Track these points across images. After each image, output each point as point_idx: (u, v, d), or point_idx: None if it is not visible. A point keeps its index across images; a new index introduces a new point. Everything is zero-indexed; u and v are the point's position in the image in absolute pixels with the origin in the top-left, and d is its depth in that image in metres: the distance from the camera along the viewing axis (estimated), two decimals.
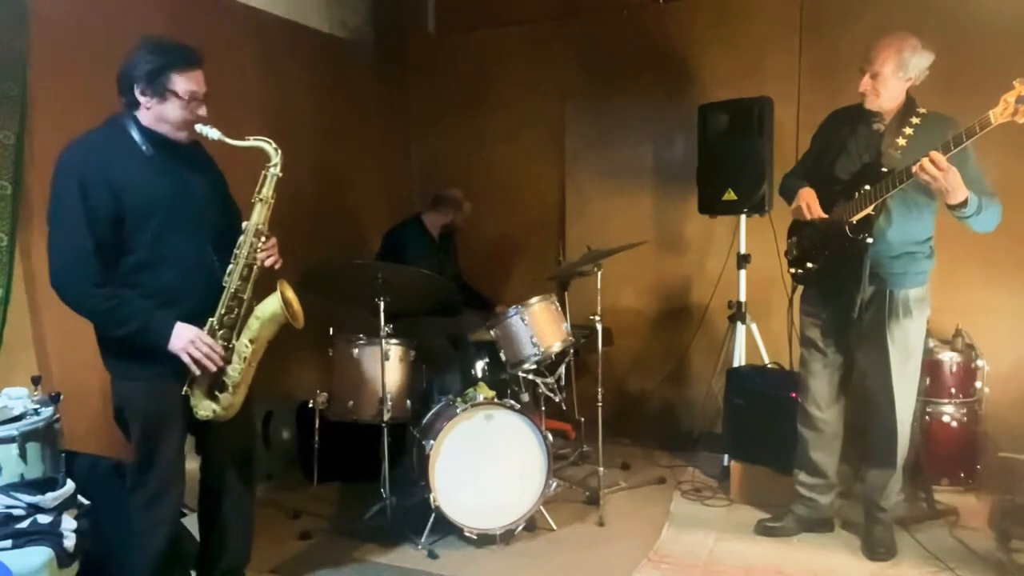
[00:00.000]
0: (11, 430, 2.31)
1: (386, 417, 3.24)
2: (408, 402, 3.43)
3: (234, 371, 2.31)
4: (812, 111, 3.64)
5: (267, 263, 2.36)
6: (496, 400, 3.24)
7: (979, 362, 3.55)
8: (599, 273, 3.54)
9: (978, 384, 3.55)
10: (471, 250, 4.69)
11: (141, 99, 2.21)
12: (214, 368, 2.28)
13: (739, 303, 3.95)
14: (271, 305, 2.31)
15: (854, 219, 2.75)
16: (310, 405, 3.45)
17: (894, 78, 2.69)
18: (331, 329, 3.40)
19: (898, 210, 2.76)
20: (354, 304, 3.46)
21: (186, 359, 2.24)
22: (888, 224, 2.76)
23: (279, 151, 2.34)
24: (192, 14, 3.52)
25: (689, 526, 3.31)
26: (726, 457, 3.77)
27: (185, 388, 2.31)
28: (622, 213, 4.66)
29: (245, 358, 2.31)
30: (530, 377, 3.55)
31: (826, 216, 2.86)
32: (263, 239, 2.34)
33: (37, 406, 2.45)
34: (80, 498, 2.39)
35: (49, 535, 2.19)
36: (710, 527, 3.29)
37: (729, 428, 3.67)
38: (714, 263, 4.33)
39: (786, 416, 3.19)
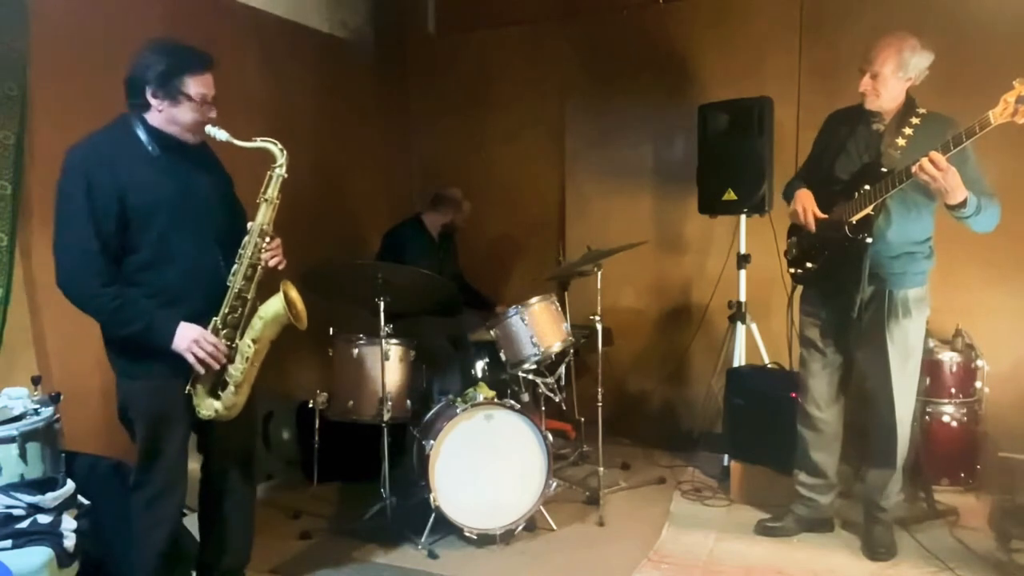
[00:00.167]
0: (11, 430, 2.31)
1: (386, 417, 3.24)
2: (408, 402, 3.43)
3: (237, 370, 2.32)
4: (812, 111, 3.65)
5: (271, 263, 2.37)
6: (496, 400, 3.24)
7: (979, 362, 3.55)
8: (599, 273, 3.54)
9: (978, 384, 3.55)
10: (471, 250, 4.69)
11: (153, 101, 2.23)
12: (217, 367, 2.29)
13: (739, 303, 3.95)
14: (274, 306, 2.32)
15: (854, 219, 2.75)
16: (310, 405, 3.45)
17: (894, 78, 2.70)
18: (331, 329, 3.40)
19: (897, 210, 2.76)
20: (354, 304, 3.46)
21: (190, 358, 2.24)
22: (888, 224, 2.77)
23: (284, 152, 2.35)
24: (192, 14, 3.52)
25: (689, 526, 3.31)
26: (726, 457, 3.77)
27: (188, 387, 2.31)
28: (622, 213, 4.66)
29: (248, 358, 2.32)
30: (530, 377, 3.56)
31: (823, 217, 2.87)
32: (267, 239, 2.34)
33: (37, 406, 2.45)
34: (80, 498, 2.39)
35: (49, 535, 2.19)
36: (710, 527, 3.29)
37: (729, 428, 3.67)
38: (714, 263, 4.33)
39: (786, 416, 3.19)
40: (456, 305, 3.95)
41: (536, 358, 3.38)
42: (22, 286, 2.87)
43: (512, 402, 3.27)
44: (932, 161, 2.46)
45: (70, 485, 2.35)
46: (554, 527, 3.30)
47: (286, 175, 2.36)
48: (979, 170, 2.68)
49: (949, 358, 3.54)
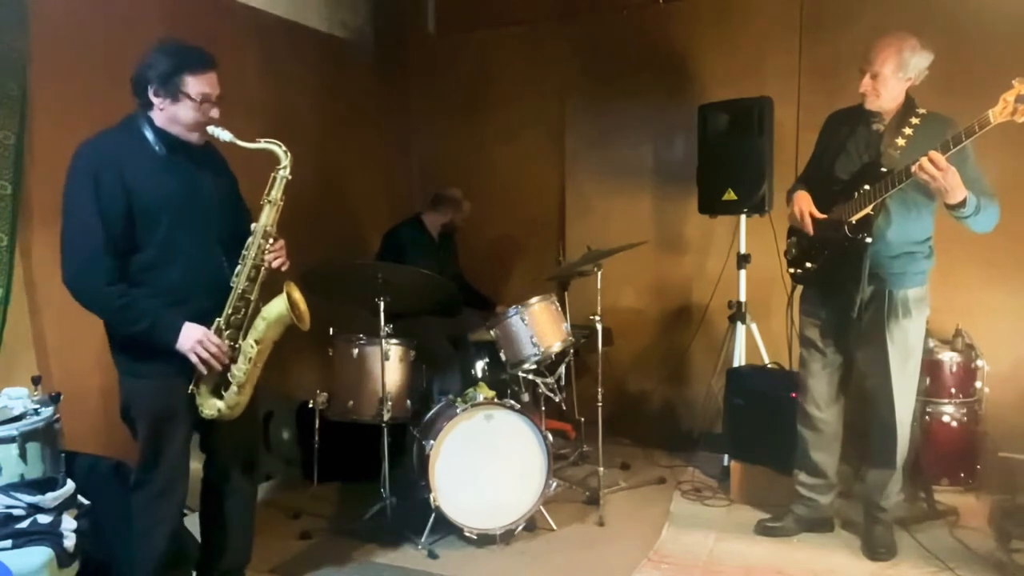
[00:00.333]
0: (11, 430, 2.31)
1: (386, 417, 3.24)
2: (408, 402, 3.43)
3: (239, 371, 2.32)
4: (812, 111, 3.65)
5: (274, 264, 2.37)
6: (496, 400, 3.24)
7: (979, 362, 3.54)
8: (599, 273, 3.54)
9: (978, 384, 3.55)
10: (471, 250, 4.69)
11: (155, 100, 2.24)
12: (220, 368, 2.30)
13: (739, 303, 3.95)
14: (277, 307, 2.32)
15: (853, 219, 2.75)
16: (310, 405, 3.45)
17: (894, 78, 2.70)
18: (331, 329, 3.40)
19: (897, 210, 2.76)
20: (354, 304, 3.46)
21: (193, 359, 2.25)
22: (887, 224, 2.77)
23: (288, 154, 2.36)
24: (192, 14, 3.52)
25: (689, 526, 3.31)
26: (726, 457, 3.77)
27: (191, 387, 2.32)
28: (622, 213, 4.66)
29: (250, 358, 2.32)
30: (530, 377, 3.56)
31: (823, 217, 2.87)
32: (271, 241, 2.35)
33: (37, 406, 2.45)
34: (80, 498, 2.39)
35: (49, 535, 2.19)
36: (710, 527, 3.29)
37: (729, 428, 3.67)
38: (714, 263, 4.33)
39: (786, 416, 3.19)
40: (456, 305, 3.95)
41: (536, 358, 3.38)
42: (22, 286, 2.87)
43: (512, 402, 3.27)
44: (932, 160, 2.46)
45: (70, 485, 2.35)
46: (554, 527, 3.30)
47: (290, 177, 2.37)
48: (979, 170, 2.68)
49: (949, 358, 3.54)
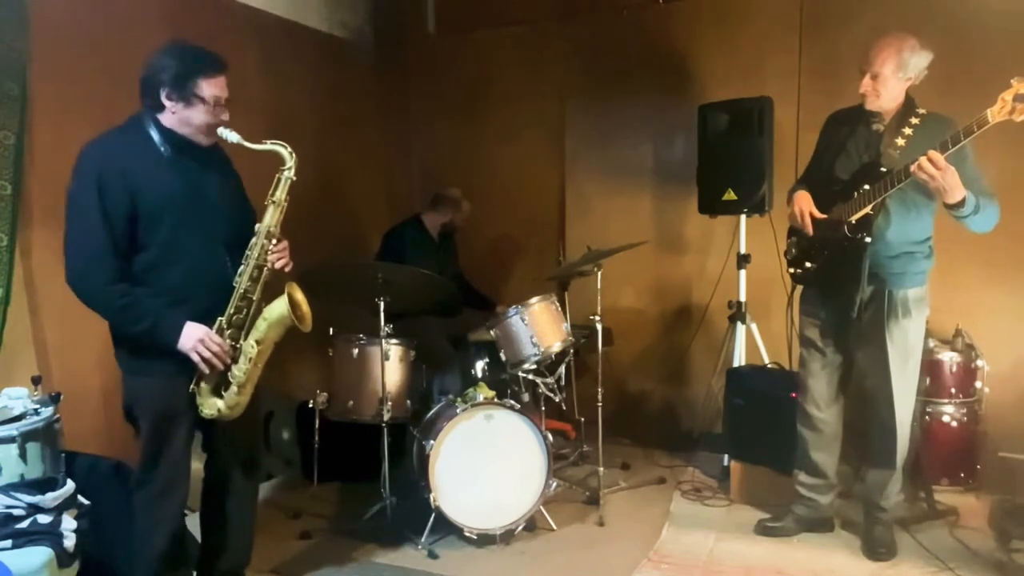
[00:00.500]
0: (11, 430, 2.31)
1: (386, 417, 3.24)
2: (408, 402, 3.43)
3: (240, 371, 2.33)
4: (812, 111, 3.65)
5: (277, 265, 2.38)
6: (496, 400, 3.24)
7: (979, 362, 3.54)
8: (599, 273, 3.54)
9: (978, 384, 3.55)
10: (471, 250, 4.69)
11: (167, 103, 2.25)
12: (222, 367, 2.31)
13: (739, 303, 3.95)
14: (278, 308, 2.33)
15: (853, 219, 2.75)
16: (310, 405, 3.45)
17: (894, 78, 2.70)
18: (331, 329, 3.40)
19: (897, 210, 2.76)
20: (354, 304, 3.46)
21: (195, 358, 2.26)
22: (887, 224, 2.77)
23: (294, 155, 2.37)
24: (192, 14, 3.52)
25: (689, 526, 3.31)
26: (726, 457, 3.77)
27: (192, 386, 2.32)
28: (622, 213, 4.66)
29: (251, 359, 2.33)
30: (530, 377, 3.55)
31: (822, 217, 2.87)
32: (274, 241, 2.36)
33: (37, 406, 2.45)
34: (80, 498, 2.39)
35: (49, 535, 2.19)
36: (710, 527, 3.29)
37: (729, 428, 3.67)
38: (714, 263, 4.33)
39: (786, 416, 3.19)
40: (456, 305, 3.95)
41: (536, 358, 3.38)
42: (22, 286, 2.87)
43: (512, 402, 3.27)
44: (931, 160, 2.46)
45: (70, 485, 2.35)
46: (554, 527, 3.30)
47: (295, 178, 2.37)
48: (978, 170, 2.68)
49: (949, 358, 3.54)
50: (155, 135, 2.27)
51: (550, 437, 3.32)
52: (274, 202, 2.36)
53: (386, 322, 3.23)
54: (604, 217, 4.70)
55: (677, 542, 3.17)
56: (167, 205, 2.25)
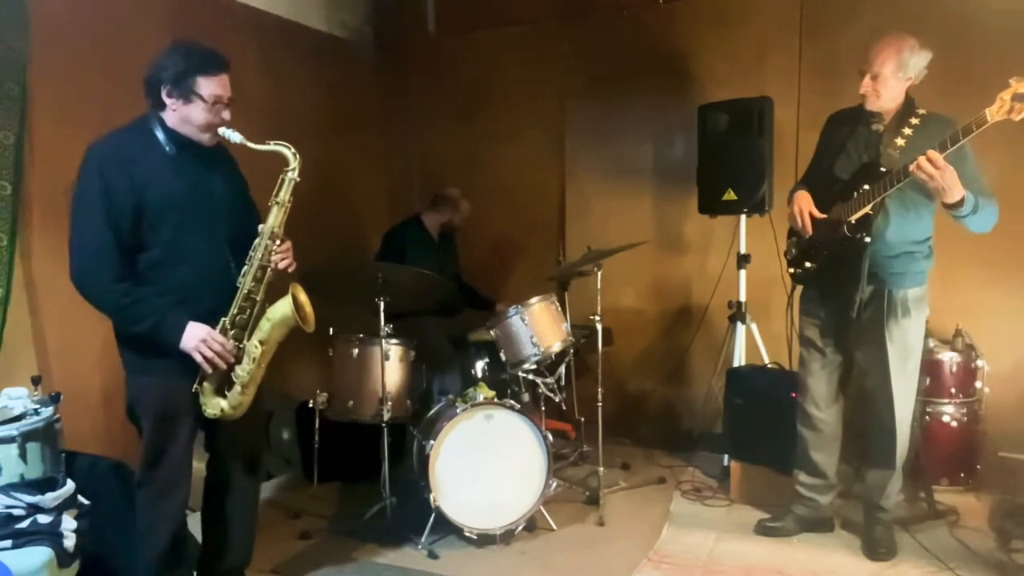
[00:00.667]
0: (11, 430, 2.31)
1: (386, 417, 3.24)
2: (408, 402, 3.44)
3: (243, 371, 2.33)
4: (812, 111, 3.65)
5: (280, 266, 2.38)
6: (496, 400, 3.24)
7: (979, 362, 3.54)
8: (599, 273, 3.54)
9: (978, 384, 3.55)
10: (471, 250, 4.69)
11: (167, 101, 2.26)
12: (225, 367, 2.31)
13: (739, 303, 3.95)
14: (282, 308, 2.33)
15: (853, 218, 2.76)
16: (310, 405, 3.45)
17: (894, 78, 2.70)
18: (331, 329, 3.40)
19: (896, 210, 2.76)
20: (354, 304, 3.46)
21: (198, 357, 2.26)
22: (886, 224, 2.77)
23: (297, 156, 2.37)
24: (192, 14, 3.52)
25: (689, 526, 3.31)
26: (726, 457, 3.77)
27: (195, 386, 2.33)
28: (622, 213, 4.66)
29: (255, 359, 2.33)
30: (530, 377, 3.55)
31: (822, 217, 2.87)
32: (278, 242, 2.36)
33: (37, 406, 2.46)
34: (80, 498, 2.39)
35: (49, 535, 2.19)
36: (710, 527, 3.29)
37: (729, 428, 3.67)
38: (714, 263, 4.33)
39: (786, 416, 3.19)
40: (456, 305, 3.95)
41: (536, 358, 3.38)
42: (22, 286, 2.87)
43: (512, 402, 3.27)
44: (930, 159, 2.46)
45: (70, 485, 2.35)
46: (554, 527, 3.30)
47: (298, 179, 2.38)
48: (977, 170, 2.68)
49: (949, 358, 3.54)
50: (160, 135, 2.28)
51: (550, 437, 3.32)
52: (278, 203, 2.36)
53: (386, 322, 3.23)
54: (604, 217, 4.70)
55: (677, 542, 3.17)
56: (171, 204, 2.26)
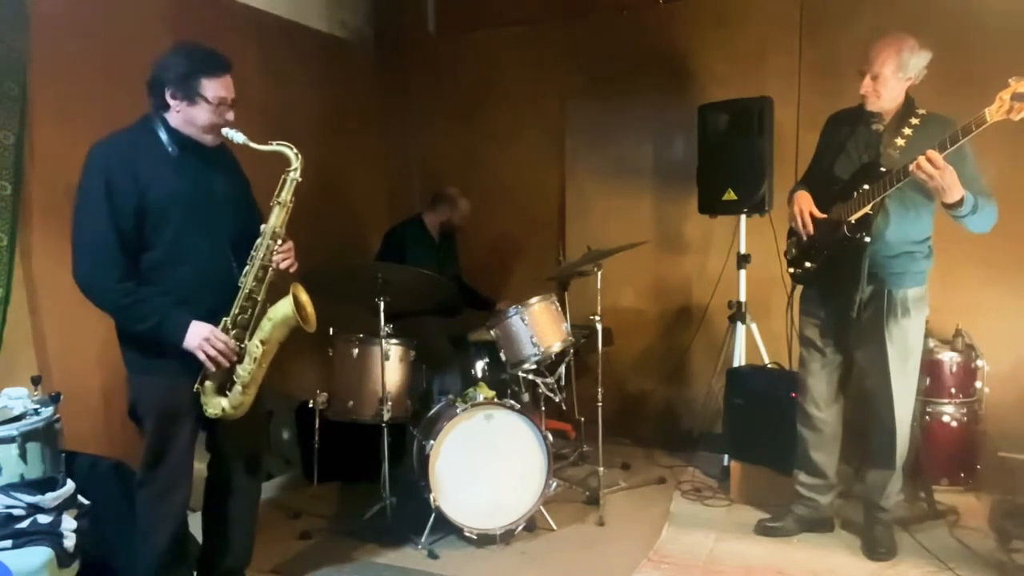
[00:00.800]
0: (11, 430, 2.31)
1: (386, 417, 3.24)
2: (408, 402, 3.44)
3: (245, 371, 2.34)
4: (812, 111, 3.65)
5: (282, 266, 2.39)
6: (496, 400, 3.24)
7: (979, 362, 3.54)
8: (599, 273, 3.54)
9: (978, 384, 3.55)
10: (471, 250, 4.69)
11: (171, 102, 2.27)
12: (227, 365, 2.31)
13: (739, 303, 3.95)
14: (283, 308, 2.34)
15: (852, 218, 2.76)
16: (310, 405, 3.45)
17: (894, 78, 2.70)
18: (331, 329, 3.40)
19: (896, 210, 2.76)
20: (354, 304, 3.46)
21: (201, 356, 2.27)
22: (886, 224, 2.77)
23: (299, 156, 2.38)
24: (192, 14, 3.52)
25: (689, 526, 3.31)
26: (726, 457, 3.77)
27: (196, 385, 2.33)
28: (622, 213, 4.66)
29: (256, 358, 2.33)
30: (530, 377, 3.55)
31: (822, 216, 2.87)
32: (280, 242, 2.37)
33: (37, 406, 2.46)
34: (80, 498, 2.39)
35: (49, 535, 2.19)
36: (710, 527, 3.29)
37: (729, 428, 3.67)
38: (714, 263, 4.32)
39: (786, 416, 3.19)
40: (456, 305, 3.94)
41: (536, 358, 3.38)
42: (22, 286, 2.87)
43: (512, 402, 3.27)
44: (929, 159, 2.46)
45: (70, 485, 2.35)
46: (554, 527, 3.30)
47: (300, 179, 2.39)
48: (977, 170, 2.68)
49: (949, 358, 3.54)
50: (163, 135, 2.29)
51: (550, 437, 3.32)
52: (280, 203, 2.37)
53: (386, 322, 3.23)
54: (604, 217, 4.70)
55: (677, 542, 3.17)
56: (174, 204, 2.27)
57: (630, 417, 4.60)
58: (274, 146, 2.36)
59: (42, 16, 2.92)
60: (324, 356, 3.49)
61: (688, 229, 4.53)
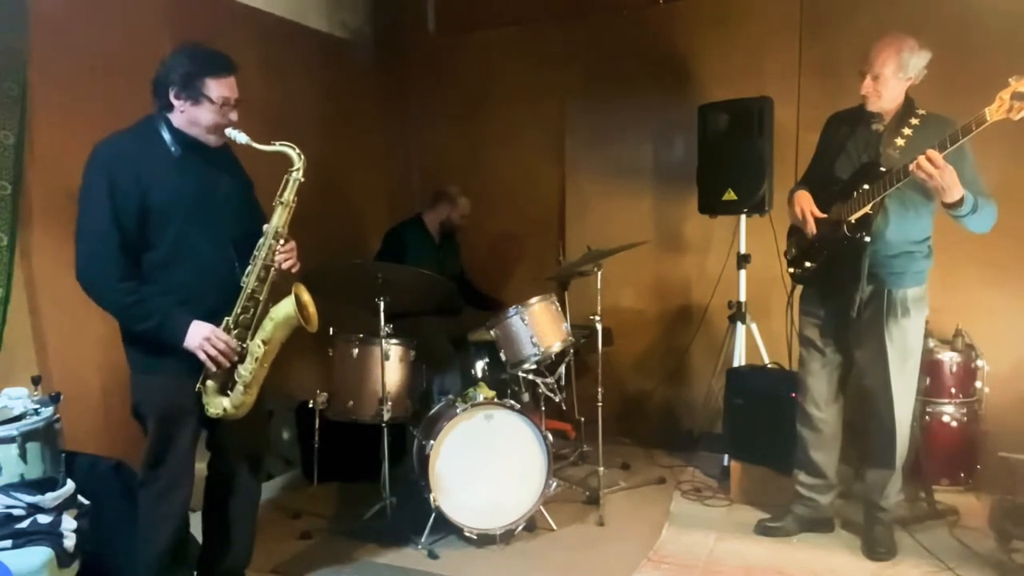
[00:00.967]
0: (11, 430, 2.31)
1: (386, 417, 3.24)
2: (408, 402, 3.44)
3: (246, 370, 2.34)
4: (812, 111, 3.65)
5: (284, 266, 2.39)
6: (496, 400, 3.24)
7: (979, 362, 3.55)
8: (599, 273, 3.54)
9: (978, 384, 3.55)
10: (472, 250, 4.69)
11: (176, 102, 2.28)
12: (229, 365, 2.32)
13: (739, 303, 3.95)
14: (285, 308, 2.34)
15: (852, 218, 2.76)
16: (310, 405, 3.45)
17: (895, 79, 2.70)
18: (331, 329, 3.40)
19: (896, 210, 2.76)
20: (354, 304, 3.46)
21: (202, 356, 2.27)
22: (886, 223, 2.77)
23: (302, 156, 2.39)
24: (192, 14, 3.52)
25: (689, 526, 3.31)
26: (726, 457, 3.76)
27: (198, 385, 2.33)
28: (622, 213, 4.66)
29: (257, 358, 2.34)
30: (530, 377, 3.55)
31: (823, 216, 2.87)
32: (282, 242, 2.37)
33: (37, 406, 2.46)
34: (80, 498, 2.39)
35: (49, 535, 2.19)
36: (710, 527, 3.29)
37: (729, 428, 3.67)
38: (714, 263, 4.33)
39: (786, 416, 3.19)
40: (456, 305, 3.94)
41: (536, 358, 3.38)
42: (22, 286, 2.87)
43: (512, 402, 3.27)
44: (929, 158, 2.46)
45: (70, 485, 2.35)
46: (554, 527, 3.30)
47: (303, 179, 2.39)
48: (977, 169, 2.68)
49: (949, 358, 3.54)
50: (166, 135, 2.30)
51: (550, 437, 3.32)
52: (282, 203, 2.37)
53: (386, 322, 3.23)
54: (604, 217, 4.70)
55: (677, 542, 3.17)
56: (176, 204, 2.27)
57: (630, 417, 4.60)
58: (277, 146, 2.37)
59: (42, 16, 2.92)
60: (324, 356, 3.49)
61: (688, 229, 4.53)
